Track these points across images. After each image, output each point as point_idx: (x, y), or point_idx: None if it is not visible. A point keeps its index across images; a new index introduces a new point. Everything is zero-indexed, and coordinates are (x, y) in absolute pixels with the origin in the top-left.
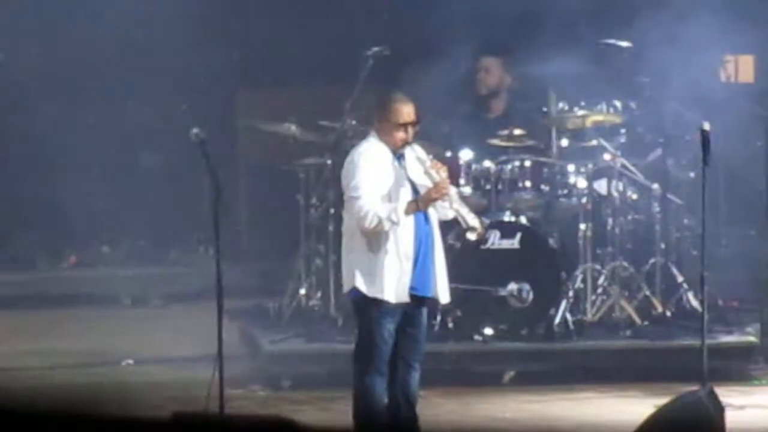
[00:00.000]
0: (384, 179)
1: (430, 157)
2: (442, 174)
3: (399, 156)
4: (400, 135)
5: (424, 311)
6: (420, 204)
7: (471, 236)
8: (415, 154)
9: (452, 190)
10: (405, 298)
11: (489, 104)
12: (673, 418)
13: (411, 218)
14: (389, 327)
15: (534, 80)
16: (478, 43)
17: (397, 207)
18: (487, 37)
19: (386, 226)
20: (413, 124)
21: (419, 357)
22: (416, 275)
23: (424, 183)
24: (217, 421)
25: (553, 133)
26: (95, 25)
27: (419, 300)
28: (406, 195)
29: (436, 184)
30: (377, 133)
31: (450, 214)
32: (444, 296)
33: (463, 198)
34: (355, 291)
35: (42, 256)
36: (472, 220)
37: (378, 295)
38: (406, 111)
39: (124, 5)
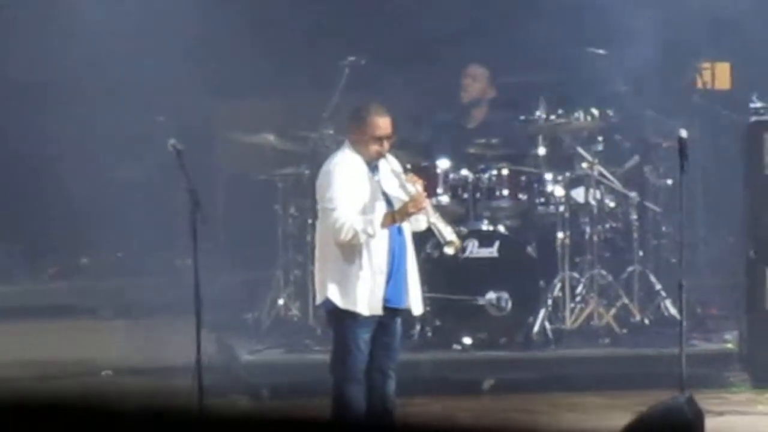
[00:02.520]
0: (359, 191)
1: (408, 168)
2: (418, 187)
3: (373, 168)
4: (375, 147)
5: (398, 320)
6: (396, 217)
7: (449, 250)
8: (389, 166)
9: (428, 204)
10: (378, 310)
11: (470, 113)
12: (653, 425)
13: (385, 231)
14: (364, 336)
15: (512, 88)
16: (461, 52)
17: (373, 219)
18: (470, 46)
19: (362, 238)
20: (389, 137)
21: (394, 365)
22: (390, 287)
23: (398, 196)
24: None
25: (531, 141)
26: (72, 35)
27: (393, 311)
28: (380, 207)
29: (412, 198)
30: (351, 144)
31: (423, 225)
32: (417, 308)
33: (440, 207)
34: (328, 302)
35: (21, 268)
36: (450, 234)
37: (351, 308)
38: (383, 124)
39: (100, 17)
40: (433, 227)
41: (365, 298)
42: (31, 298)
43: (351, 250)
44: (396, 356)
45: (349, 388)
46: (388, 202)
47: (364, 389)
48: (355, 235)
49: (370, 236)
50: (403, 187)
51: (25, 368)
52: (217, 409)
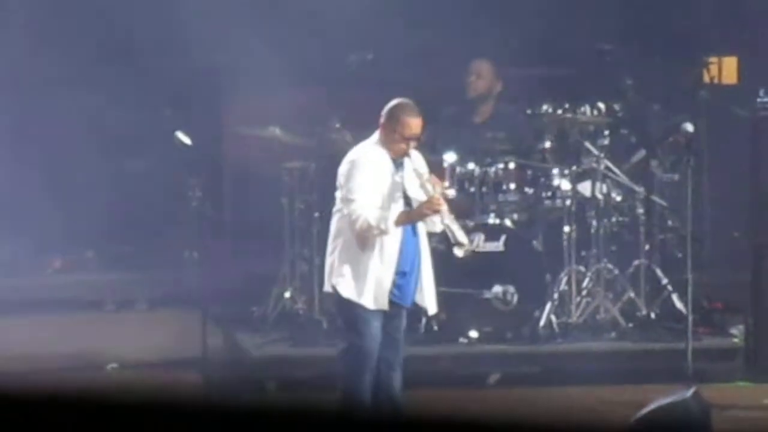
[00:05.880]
0: (380, 187)
1: (428, 172)
2: (438, 189)
3: (398, 165)
4: (403, 146)
5: (404, 314)
6: (412, 215)
7: (458, 252)
8: (413, 165)
9: (444, 207)
10: (384, 305)
11: (477, 109)
12: (659, 419)
13: (399, 229)
14: (375, 324)
15: (519, 83)
16: (468, 47)
17: (388, 216)
18: (478, 40)
19: (375, 232)
20: (417, 137)
21: (400, 358)
22: (402, 286)
23: (417, 196)
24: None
25: (538, 136)
26: (79, 27)
27: (398, 307)
28: (397, 206)
29: (429, 199)
30: (380, 139)
31: (438, 228)
32: (432, 307)
33: (446, 201)
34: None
35: (26, 261)
36: (462, 237)
37: (355, 299)
38: (415, 124)
39: (109, 10)
40: (446, 228)
41: (371, 290)
42: (36, 292)
43: (363, 242)
44: (401, 349)
45: (361, 377)
46: (407, 201)
47: (372, 379)
48: (369, 228)
49: (383, 232)
50: (423, 187)
51: (30, 362)
52: (224, 403)
